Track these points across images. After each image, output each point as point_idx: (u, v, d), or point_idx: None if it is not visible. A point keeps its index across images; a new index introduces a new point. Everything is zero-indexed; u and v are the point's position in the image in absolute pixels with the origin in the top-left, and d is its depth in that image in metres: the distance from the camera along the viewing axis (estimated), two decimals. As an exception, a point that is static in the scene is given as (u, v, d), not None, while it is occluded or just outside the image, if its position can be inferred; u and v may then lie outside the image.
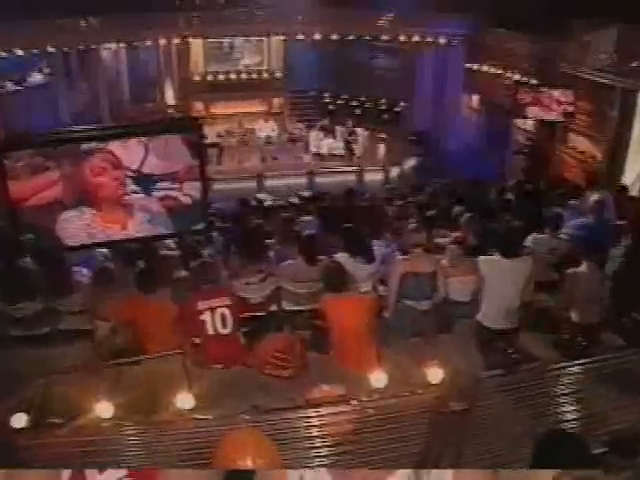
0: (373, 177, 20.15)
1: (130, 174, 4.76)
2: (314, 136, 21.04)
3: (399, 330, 6.42)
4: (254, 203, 13.53)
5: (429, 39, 21.69)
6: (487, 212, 9.37)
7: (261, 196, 14.61)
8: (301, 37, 21.95)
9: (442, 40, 21.43)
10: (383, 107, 24.51)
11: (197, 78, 23.18)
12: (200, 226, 5.01)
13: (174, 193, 4.87)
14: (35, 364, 6.38)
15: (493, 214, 9.44)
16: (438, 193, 12.56)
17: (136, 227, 4.79)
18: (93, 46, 21.27)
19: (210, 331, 6.08)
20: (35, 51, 19.66)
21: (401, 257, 6.69)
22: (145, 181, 4.79)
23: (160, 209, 4.95)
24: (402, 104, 23.89)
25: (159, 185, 4.81)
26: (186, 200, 4.95)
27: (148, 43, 21.72)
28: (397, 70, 24.19)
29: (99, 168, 4.58)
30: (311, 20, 21.54)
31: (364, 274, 7.10)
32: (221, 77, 23.22)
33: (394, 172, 20.69)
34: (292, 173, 19.65)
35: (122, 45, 21.88)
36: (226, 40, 22.66)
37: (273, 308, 7.41)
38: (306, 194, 13.71)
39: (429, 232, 7.86)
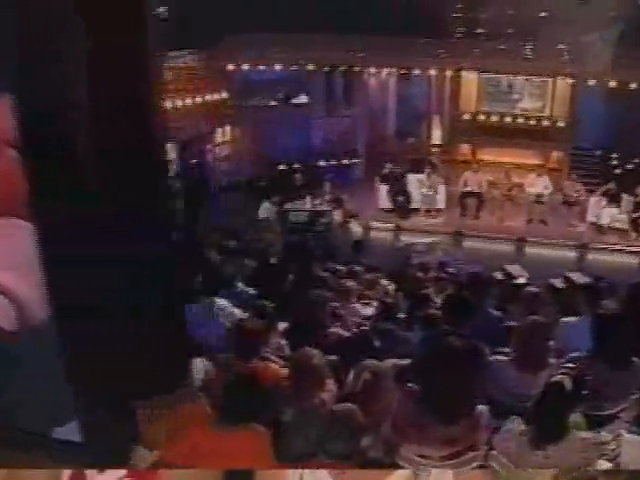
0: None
1: None
2: (595, 202, 17.27)
3: None
4: (499, 277, 10.36)
5: None
6: None
7: (513, 269, 11.03)
8: (592, 82, 18.40)
9: None
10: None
11: (467, 117, 20.66)
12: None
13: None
14: None
15: None
16: None
17: None
18: (357, 69, 19.78)
19: None
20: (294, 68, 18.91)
21: None
22: None
23: None
24: None
25: None
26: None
27: (416, 72, 19.73)
28: None
29: None
30: (608, 63, 17.88)
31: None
32: (494, 119, 20.42)
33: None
34: (560, 243, 16.58)
35: (391, 72, 20.33)
36: (504, 77, 19.85)
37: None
38: (578, 278, 9.52)
39: None
